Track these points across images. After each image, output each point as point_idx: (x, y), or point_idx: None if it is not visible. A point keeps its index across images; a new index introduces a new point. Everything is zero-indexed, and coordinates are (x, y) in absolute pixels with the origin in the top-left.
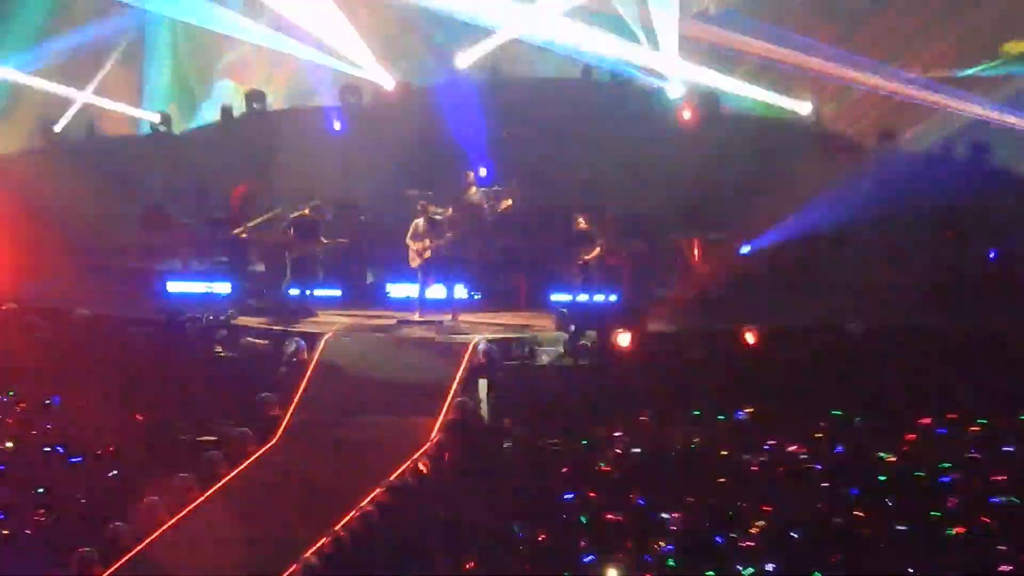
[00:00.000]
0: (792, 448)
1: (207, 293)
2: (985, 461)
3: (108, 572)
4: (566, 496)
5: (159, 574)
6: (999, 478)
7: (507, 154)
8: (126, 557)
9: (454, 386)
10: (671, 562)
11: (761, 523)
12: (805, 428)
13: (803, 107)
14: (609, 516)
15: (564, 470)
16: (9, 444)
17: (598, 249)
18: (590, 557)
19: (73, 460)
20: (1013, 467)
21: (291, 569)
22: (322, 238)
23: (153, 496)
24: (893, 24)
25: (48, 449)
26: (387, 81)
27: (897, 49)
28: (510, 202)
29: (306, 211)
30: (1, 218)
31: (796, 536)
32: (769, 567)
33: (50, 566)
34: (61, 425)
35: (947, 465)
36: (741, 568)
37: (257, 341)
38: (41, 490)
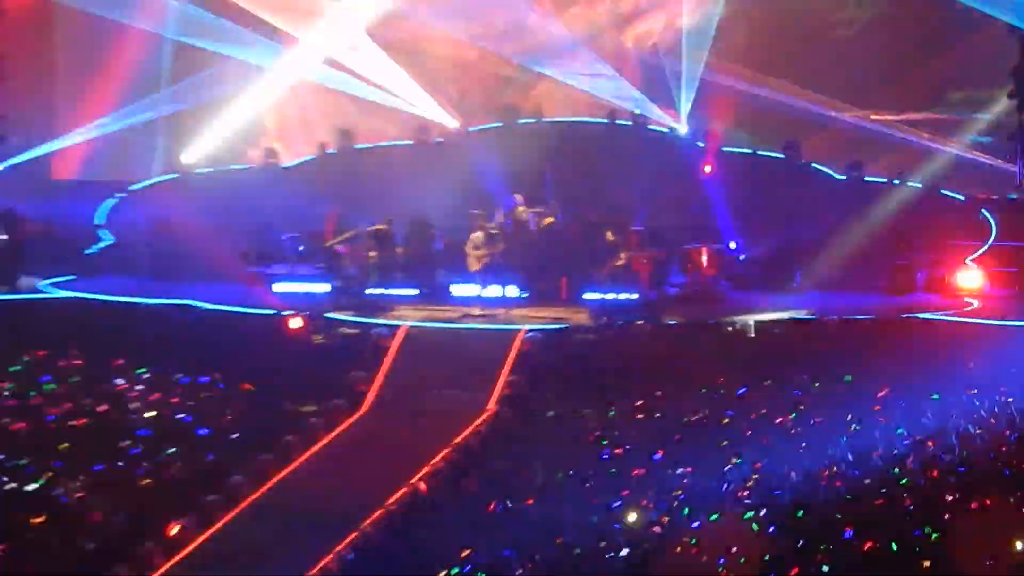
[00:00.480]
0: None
1: (308, 293)
2: None
3: (231, 514)
4: (599, 455)
5: (267, 516)
6: None
7: (549, 181)
8: (244, 503)
9: (507, 366)
10: (686, 511)
11: (755, 477)
12: (792, 398)
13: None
14: (634, 471)
15: (596, 433)
16: (152, 413)
17: (623, 257)
18: (617, 503)
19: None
20: None
21: (376, 514)
22: (396, 247)
23: (265, 454)
24: (857, 74)
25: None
26: (452, 123)
27: (862, 95)
28: (551, 219)
29: (382, 226)
30: (146, 233)
31: (781, 492)
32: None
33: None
34: (191, 399)
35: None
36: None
37: (348, 330)
38: (173, 450)
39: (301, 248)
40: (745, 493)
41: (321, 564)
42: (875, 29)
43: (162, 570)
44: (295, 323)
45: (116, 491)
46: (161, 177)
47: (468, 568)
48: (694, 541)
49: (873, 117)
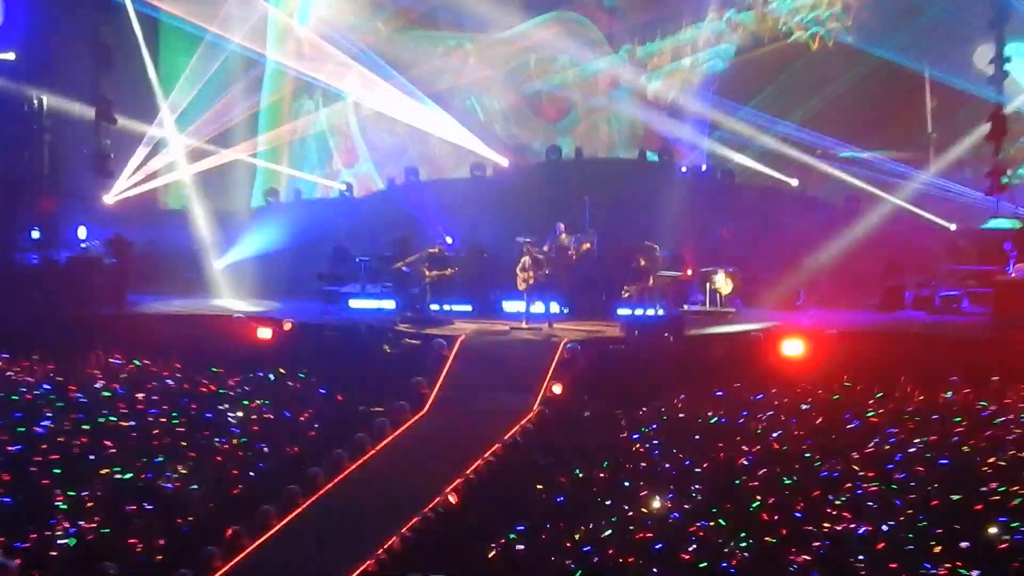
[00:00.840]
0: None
1: (377, 308)
2: None
3: (307, 503)
4: (629, 447)
5: (340, 503)
6: None
7: (588, 212)
8: (321, 491)
9: (550, 372)
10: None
11: (763, 471)
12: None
13: (792, 180)
14: (663, 464)
15: (626, 432)
16: (240, 413)
17: (651, 279)
18: (643, 492)
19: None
20: None
21: (435, 501)
22: (449, 268)
23: (339, 449)
24: (853, 118)
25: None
26: (503, 161)
27: (857, 135)
28: (589, 245)
29: (436, 249)
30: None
31: (787, 480)
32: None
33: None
34: (277, 398)
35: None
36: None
37: (412, 341)
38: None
39: (371, 269)
40: (755, 484)
41: (387, 544)
42: (870, 80)
43: (248, 549)
44: (263, 333)
45: (211, 481)
46: (253, 206)
47: (519, 547)
48: (711, 524)
49: (866, 155)
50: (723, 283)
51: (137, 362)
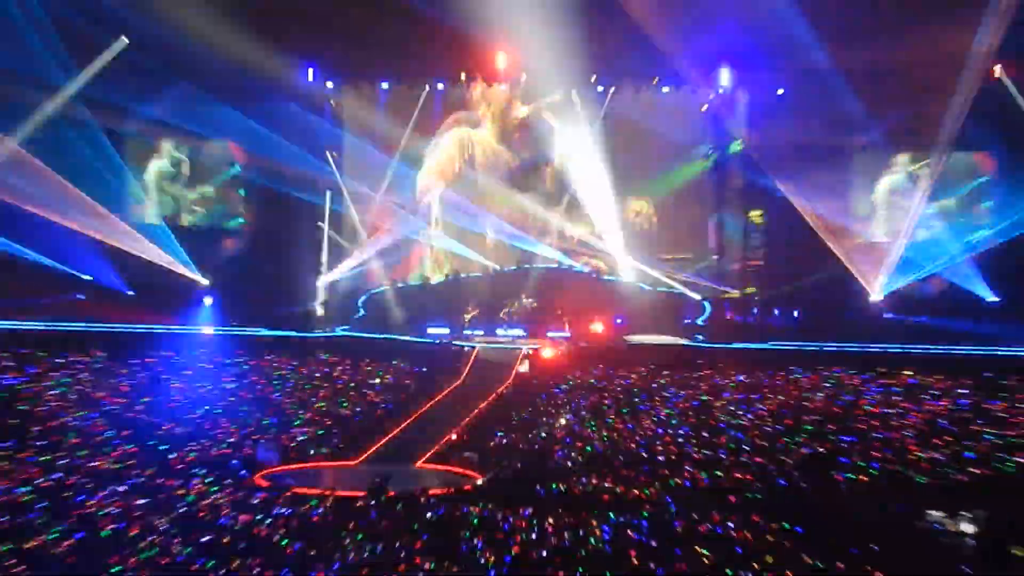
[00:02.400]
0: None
1: (439, 333)
2: None
3: (407, 422)
4: (554, 395)
5: (424, 422)
6: None
7: (541, 293)
8: (414, 415)
9: (517, 362)
10: (584, 415)
11: (615, 404)
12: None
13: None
14: (569, 401)
15: (552, 388)
16: (377, 380)
17: (565, 320)
18: (560, 415)
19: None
20: None
21: (466, 419)
22: (477, 311)
23: (421, 397)
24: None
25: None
26: (495, 265)
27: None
28: (536, 304)
29: (471, 306)
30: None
31: (624, 410)
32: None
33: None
34: (391, 376)
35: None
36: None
37: (456, 348)
38: (389, 396)
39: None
40: (612, 413)
41: (445, 438)
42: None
43: (380, 443)
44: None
45: (362, 414)
46: (381, 288)
47: (503, 441)
48: (587, 429)
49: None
50: (597, 326)
51: (329, 359)
